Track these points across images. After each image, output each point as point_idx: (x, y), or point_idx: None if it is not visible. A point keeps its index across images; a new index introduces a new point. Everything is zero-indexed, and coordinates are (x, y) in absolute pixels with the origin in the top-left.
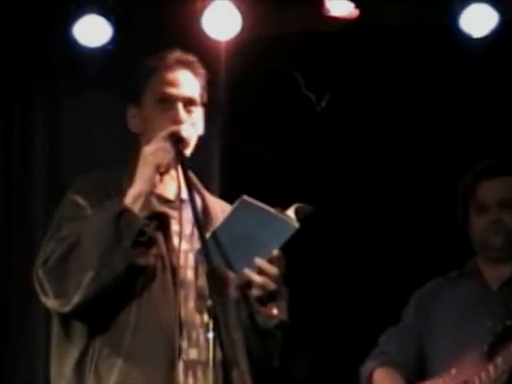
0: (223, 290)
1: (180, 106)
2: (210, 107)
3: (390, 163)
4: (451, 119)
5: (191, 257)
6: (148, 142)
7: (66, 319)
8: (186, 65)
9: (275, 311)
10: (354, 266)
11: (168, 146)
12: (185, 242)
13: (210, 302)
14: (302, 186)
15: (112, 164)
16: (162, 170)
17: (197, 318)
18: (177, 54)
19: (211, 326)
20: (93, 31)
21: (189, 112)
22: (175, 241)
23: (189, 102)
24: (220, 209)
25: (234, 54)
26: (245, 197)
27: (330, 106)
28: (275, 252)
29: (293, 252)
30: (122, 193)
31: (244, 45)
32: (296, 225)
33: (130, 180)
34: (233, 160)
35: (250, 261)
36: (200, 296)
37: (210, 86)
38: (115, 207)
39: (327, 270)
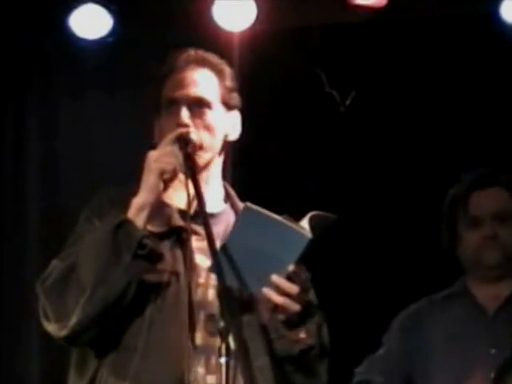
0: (237, 310)
1: (183, 108)
2: None
3: (423, 170)
4: (490, 116)
5: (214, 275)
6: None
7: (71, 346)
8: (201, 63)
9: (302, 335)
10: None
11: (175, 149)
12: (207, 258)
13: (222, 324)
14: (322, 194)
15: (114, 169)
16: (166, 176)
17: (217, 342)
18: (188, 54)
19: (224, 350)
20: (91, 22)
21: (199, 114)
22: (198, 258)
23: (197, 103)
24: None
25: (248, 48)
26: (248, 204)
27: (355, 106)
28: (291, 267)
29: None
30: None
31: (259, 37)
32: (308, 235)
33: None
34: (245, 165)
35: (268, 278)
36: (212, 317)
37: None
38: (114, 219)
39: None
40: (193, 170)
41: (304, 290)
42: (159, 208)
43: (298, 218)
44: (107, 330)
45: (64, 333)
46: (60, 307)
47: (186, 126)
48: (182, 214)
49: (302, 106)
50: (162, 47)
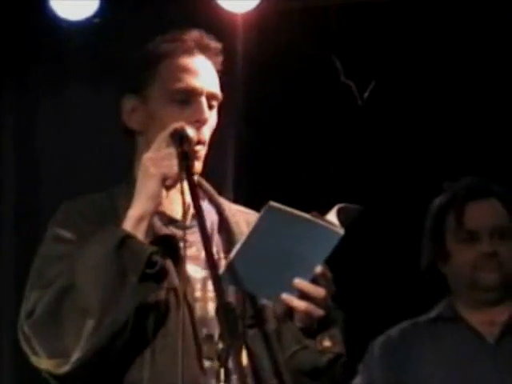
0: (238, 330)
1: (204, 101)
2: (222, 97)
3: (451, 167)
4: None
5: (211, 286)
6: (151, 143)
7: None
8: (204, 50)
9: (328, 343)
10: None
11: (174, 150)
12: (201, 268)
13: (220, 346)
14: (335, 192)
15: (101, 172)
16: (169, 182)
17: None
18: (196, 35)
19: (222, 375)
20: (75, 2)
21: (210, 109)
22: (189, 268)
23: (211, 99)
24: (245, 221)
25: (253, 32)
26: (272, 203)
27: (374, 98)
28: (319, 269)
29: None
30: (118, 217)
31: (265, 19)
32: (341, 231)
33: (128, 198)
34: (250, 162)
35: (288, 283)
36: (209, 339)
37: (224, 72)
38: (114, 235)
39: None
40: (189, 170)
41: (329, 292)
42: None
43: (320, 213)
44: (111, 365)
45: (65, 369)
46: (55, 341)
47: (205, 122)
48: (165, 219)
49: (314, 97)
50: (157, 31)
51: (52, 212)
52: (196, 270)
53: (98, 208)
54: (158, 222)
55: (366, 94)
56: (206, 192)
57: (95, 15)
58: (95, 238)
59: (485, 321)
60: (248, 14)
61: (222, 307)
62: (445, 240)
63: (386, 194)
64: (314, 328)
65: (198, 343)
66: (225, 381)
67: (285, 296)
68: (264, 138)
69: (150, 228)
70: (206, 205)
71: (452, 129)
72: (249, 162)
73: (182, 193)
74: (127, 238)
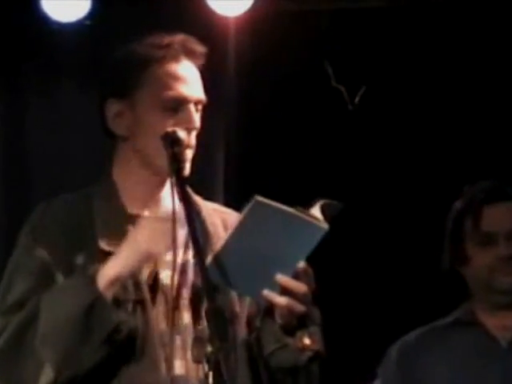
0: (227, 333)
1: (193, 109)
2: (213, 101)
3: (438, 175)
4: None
5: (186, 293)
6: (138, 149)
7: None
8: (190, 55)
9: (307, 341)
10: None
11: (167, 227)
12: (176, 274)
13: (209, 349)
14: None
15: (92, 173)
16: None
17: (196, 370)
18: (182, 39)
19: (211, 378)
20: (66, 3)
21: (197, 115)
22: (162, 274)
23: (198, 105)
24: (222, 221)
25: (245, 36)
26: (258, 197)
27: (365, 103)
28: (301, 264)
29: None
30: (93, 220)
31: (257, 24)
32: (325, 226)
33: (105, 200)
34: (240, 166)
35: (271, 279)
36: (199, 342)
37: (216, 75)
38: (86, 294)
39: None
40: (179, 173)
41: (310, 288)
42: (112, 220)
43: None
44: None
45: None
46: (14, 376)
47: (195, 129)
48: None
49: (306, 101)
50: (148, 34)
51: None
52: (167, 276)
53: (73, 212)
54: (131, 227)
55: (356, 99)
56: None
57: (86, 17)
58: (68, 284)
59: (500, 324)
60: (240, 17)
61: (212, 310)
62: (463, 243)
63: (376, 198)
64: (293, 325)
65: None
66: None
67: (266, 292)
68: (255, 141)
69: (124, 233)
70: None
71: (442, 132)
72: (239, 165)
73: (173, 196)
74: (98, 300)
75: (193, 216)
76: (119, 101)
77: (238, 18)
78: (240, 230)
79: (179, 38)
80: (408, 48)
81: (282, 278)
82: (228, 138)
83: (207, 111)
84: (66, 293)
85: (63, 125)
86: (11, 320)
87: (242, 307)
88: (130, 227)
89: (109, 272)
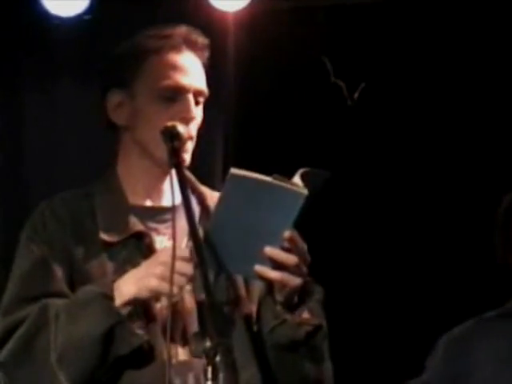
0: (226, 328)
1: (191, 99)
2: (212, 95)
3: (439, 172)
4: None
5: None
6: (137, 140)
7: None
8: (192, 46)
9: (306, 315)
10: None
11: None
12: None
13: (208, 344)
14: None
15: (91, 170)
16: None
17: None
18: (183, 31)
19: (210, 374)
20: None
21: (197, 106)
22: None
23: (198, 96)
24: None
25: (244, 31)
26: (234, 170)
27: (364, 98)
28: (287, 233)
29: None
30: (95, 217)
31: (257, 19)
32: (304, 191)
33: (108, 194)
34: (239, 161)
35: (260, 254)
36: (198, 337)
37: (215, 70)
38: (107, 316)
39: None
40: (179, 167)
41: (303, 259)
42: (114, 211)
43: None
44: None
45: None
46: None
47: (192, 120)
48: (141, 212)
49: (305, 97)
50: (151, 27)
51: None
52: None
53: (73, 208)
54: (133, 218)
55: (356, 95)
56: (187, 181)
57: (86, 12)
58: (87, 303)
59: None
60: (239, 12)
61: (210, 305)
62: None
63: (376, 193)
64: (294, 302)
65: (174, 336)
66: (212, 379)
67: (258, 268)
68: (254, 135)
69: (125, 224)
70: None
71: (441, 128)
72: (238, 159)
73: (173, 190)
74: (119, 324)
75: (192, 210)
76: (120, 91)
77: (236, 14)
78: (222, 209)
79: (181, 29)
80: (407, 43)
81: (271, 251)
82: (227, 131)
83: (206, 105)
84: (86, 314)
85: (62, 120)
86: (9, 323)
87: (251, 289)
88: (132, 218)
89: (126, 292)
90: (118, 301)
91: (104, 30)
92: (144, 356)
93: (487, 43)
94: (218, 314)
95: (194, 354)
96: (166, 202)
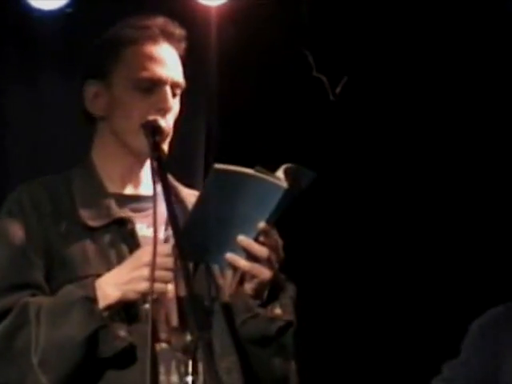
0: (206, 321)
1: (169, 90)
2: (195, 90)
3: (429, 167)
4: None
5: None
6: (114, 130)
7: None
8: (169, 37)
9: (278, 311)
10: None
11: (145, 273)
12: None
13: (189, 338)
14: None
15: (74, 160)
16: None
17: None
18: (161, 22)
19: (190, 367)
20: None
21: (174, 98)
22: None
23: (175, 88)
24: None
25: (227, 24)
26: (217, 165)
27: (347, 93)
28: (262, 225)
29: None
30: (73, 202)
31: (239, 12)
32: (284, 185)
33: (84, 181)
34: (221, 155)
35: (234, 244)
36: (178, 331)
37: (197, 64)
38: (90, 321)
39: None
40: (160, 161)
41: (275, 253)
42: (94, 197)
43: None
44: None
45: None
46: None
47: (169, 111)
48: (120, 200)
49: (287, 91)
50: (125, 19)
51: None
52: None
53: (52, 193)
54: (113, 204)
55: (338, 89)
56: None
57: (68, 5)
58: (69, 305)
59: None
60: (222, 6)
61: (191, 298)
62: None
63: (359, 189)
64: (264, 298)
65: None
66: (192, 373)
67: (229, 256)
68: (236, 129)
69: (107, 209)
70: (160, 188)
71: (425, 121)
72: (220, 154)
73: (154, 182)
74: (102, 328)
75: (171, 199)
76: (97, 82)
77: (219, 7)
78: (202, 202)
79: (159, 20)
80: (390, 36)
81: (243, 240)
82: (209, 126)
83: (189, 100)
84: (68, 317)
85: (44, 113)
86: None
87: (225, 279)
88: (112, 203)
89: (110, 295)
90: (102, 303)
91: (86, 24)
92: (127, 357)
93: (473, 35)
94: (198, 307)
95: (174, 348)
96: (143, 190)
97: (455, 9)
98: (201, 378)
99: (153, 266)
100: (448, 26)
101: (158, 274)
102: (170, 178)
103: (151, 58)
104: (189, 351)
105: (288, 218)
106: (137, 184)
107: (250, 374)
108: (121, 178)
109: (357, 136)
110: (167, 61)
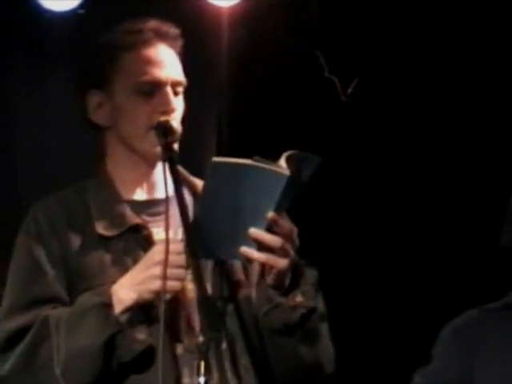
0: (219, 322)
1: (170, 91)
2: (206, 90)
3: (441, 168)
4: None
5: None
6: (122, 137)
7: None
8: (165, 38)
9: (299, 299)
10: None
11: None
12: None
13: (201, 339)
14: (320, 198)
15: (82, 165)
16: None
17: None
18: (153, 24)
19: (203, 368)
20: None
21: (177, 98)
22: None
23: (176, 86)
24: None
25: (238, 26)
26: (215, 158)
27: (358, 94)
28: (270, 215)
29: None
30: (90, 214)
31: (251, 12)
32: (286, 172)
33: (100, 194)
34: (232, 154)
35: (247, 237)
36: (190, 332)
37: (208, 65)
38: (107, 327)
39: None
40: (172, 162)
41: (289, 241)
42: (109, 206)
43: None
44: None
45: None
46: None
47: (173, 112)
48: (135, 206)
49: (298, 92)
50: (120, 22)
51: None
52: None
53: (67, 206)
54: (128, 211)
55: (349, 90)
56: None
57: (80, 6)
58: (87, 312)
59: None
60: (233, 7)
61: (203, 300)
62: None
63: (369, 189)
64: (286, 286)
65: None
66: (204, 374)
67: (243, 249)
68: (247, 130)
69: (122, 217)
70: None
71: (436, 123)
72: (231, 153)
73: (166, 184)
74: (120, 333)
75: (185, 203)
76: (98, 91)
77: (231, 8)
78: (207, 197)
79: (151, 22)
80: (401, 38)
81: (254, 232)
82: (220, 126)
83: (200, 101)
84: (85, 325)
85: (54, 114)
86: (16, 325)
87: (250, 273)
88: (127, 211)
89: (125, 298)
90: (118, 307)
91: (98, 25)
92: (147, 360)
93: (483, 37)
94: (211, 307)
95: (186, 349)
96: (158, 194)
97: (468, 10)
98: (215, 378)
99: (165, 264)
100: (460, 28)
101: (171, 271)
102: (187, 174)
103: (148, 62)
104: (201, 352)
105: (304, 210)
106: (151, 189)
107: (268, 372)
108: (135, 185)
109: (368, 136)
110: (165, 61)
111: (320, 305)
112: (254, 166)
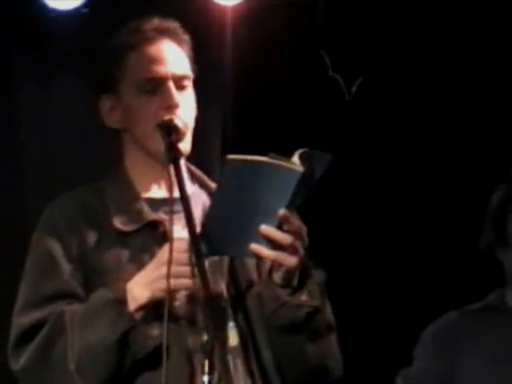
0: (223, 321)
1: (172, 86)
2: (210, 89)
3: (441, 161)
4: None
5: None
6: (135, 138)
7: None
8: (167, 34)
9: (304, 298)
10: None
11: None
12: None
13: (205, 338)
14: (324, 196)
15: (87, 164)
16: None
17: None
18: (155, 23)
19: (207, 367)
20: None
21: (183, 93)
22: None
23: (181, 81)
24: None
25: (242, 25)
26: (228, 156)
27: (362, 92)
28: (282, 212)
29: None
30: (109, 214)
31: (255, 11)
32: (299, 169)
33: (119, 194)
34: (237, 153)
35: (257, 233)
36: (195, 331)
37: (212, 64)
38: (121, 324)
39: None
40: (176, 162)
41: (299, 239)
42: (127, 202)
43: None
44: None
45: None
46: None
47: (176, 107)
48: (153, 204)
49: (302, 91)
50: (121, 25)
51: (38, 208)
52: None
53: (85, 205)
54: (146, 208)
55: (353, 89)
56: (196, 177)
57: (84, 5)
58: (100, 309)
59: None
60: (237, 6)
61: (208, 298)
62: (506, 228)
63: (374, 188)
64: (294, 285)
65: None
66: (209, 373)
67: (253, 246)
68: (252, 129)
69: (139, 213)
70: (196, 189)
71: (440, 122)
72: (236, 153)
73: (171, 183)
74: (133, 329)
75: (189, 204)
76: (109, 96)
77: (235, 7)
78: (219, 194)
79: (153, 21)
80: (405, 37)
81: (265, 229)
82: (225, 125)
83: (204, 100)
84: (99, 321)
85: (59, 114)
86: (32, 320)
87: (262, 271)
88: (145, 207)
89: (139, 296)
90: (133, 304)
91: (102, 24)
92: (161, 356)
93: (486, 37)
94: (216, 306)
95: (190, 348)
96: (175, 193)
97: (472, 8)
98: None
99: (169, 262)
100: (465, 26)
101: (176, 269)
102: (205, 178)
103: (150, 59)
104: (205, 351)
105: (313, 209)
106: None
107: (276, 373)
108: (152, 184)
109: (373, 135)
110: (166, 57)
111: (328, 312)
112: (269, 162)
